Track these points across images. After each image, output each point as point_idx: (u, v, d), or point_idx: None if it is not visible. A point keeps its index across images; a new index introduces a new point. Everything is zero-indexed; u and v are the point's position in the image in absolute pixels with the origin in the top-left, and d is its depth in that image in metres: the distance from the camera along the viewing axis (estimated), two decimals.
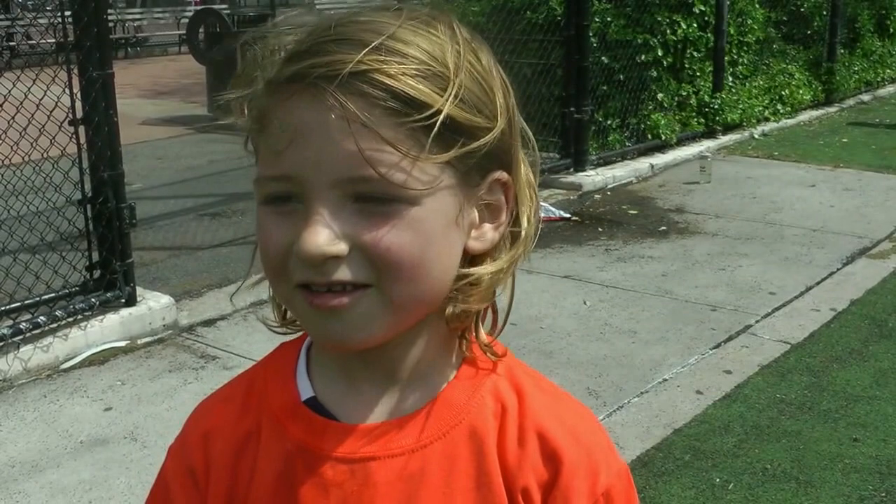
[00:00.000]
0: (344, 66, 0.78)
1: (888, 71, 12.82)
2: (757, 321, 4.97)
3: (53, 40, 4.68)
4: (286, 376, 0.95)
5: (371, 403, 0.91)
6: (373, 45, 0.79)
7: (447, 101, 0.80)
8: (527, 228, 0.92)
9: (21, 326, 4.37)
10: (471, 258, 0.89)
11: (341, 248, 0.80)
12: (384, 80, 0.79)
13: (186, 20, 16.06)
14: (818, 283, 5.54)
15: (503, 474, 0.90)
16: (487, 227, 0.89)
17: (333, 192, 0.80)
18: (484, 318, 0.94)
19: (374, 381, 0.91)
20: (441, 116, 0.80)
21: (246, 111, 0.85)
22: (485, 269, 0.89)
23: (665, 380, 4.28)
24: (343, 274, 0.81)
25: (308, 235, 0.80)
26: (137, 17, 19.40)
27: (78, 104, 4.53)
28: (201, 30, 11.71)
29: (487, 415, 0.91)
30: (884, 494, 3.33)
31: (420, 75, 0.80)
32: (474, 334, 0.92)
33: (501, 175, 0.88)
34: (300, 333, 0.97)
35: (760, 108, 9.99)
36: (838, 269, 5.79)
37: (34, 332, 4.42)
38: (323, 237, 0.79)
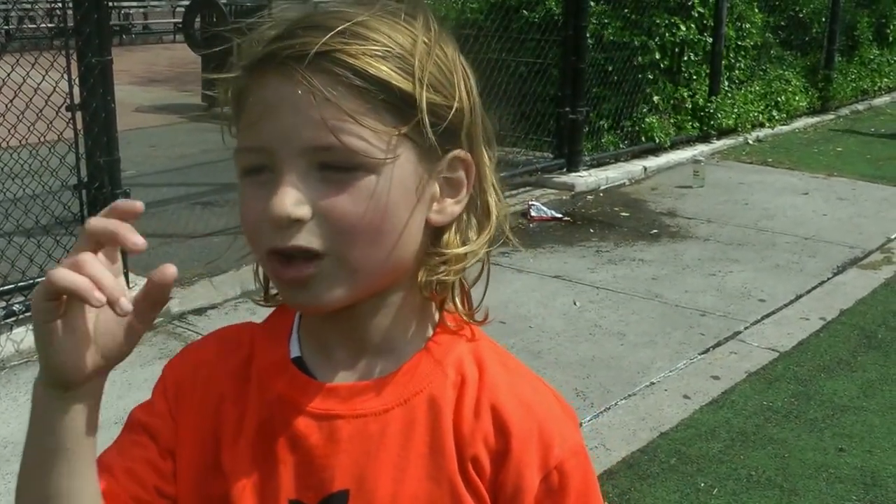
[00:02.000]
0: (311, 46, 0.86)
1: (885, 80, 12.82)
2: (746, 328, 4.98)
3: (52, 25, 4.66)
4: (281, 336, 1.02)
5: (345, 366, 0.98)
6: (338, 28, 0.87)
7: (415, 83, 0.88)
8: (496, 213, 0.98)
9: (14, 308, 4.39)
10: (435, 232, 0.95)
11: (305, 210, 0.87)
12: (346, 59, 0.87)
13: (182, 9, 16.03)
14: (808, 292, 5.55)
15: (456, 443, 0.95)
16: (448, 201, 0.95)
17: (300, 160, 0.87)
18: (464, 302, 1.00)
19: (347, 347, 0.98)
20: (401, 94, 0.88)
21: (228, 96, 0.93)
22: (457, 251, 0.95)
23: (653, 383, 4.30)
24: (304, 240, 0.88)
25: (276, 200, 0.87)
26: (136, 5, 19.30)
27: (76, 90, 4.54)
28: (198, 19, 11.68)
29: (447, 386, 0.97)
30: None
31: (380, 56, 0.88)
32: (447, 306, 0.98)
33: (461, 152, 0.94)
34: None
35: (756, 114, 10.01)
36: (829, 279, 5.80)
37: (27, 314, 4.41)
38: (289, 199, 0.86)
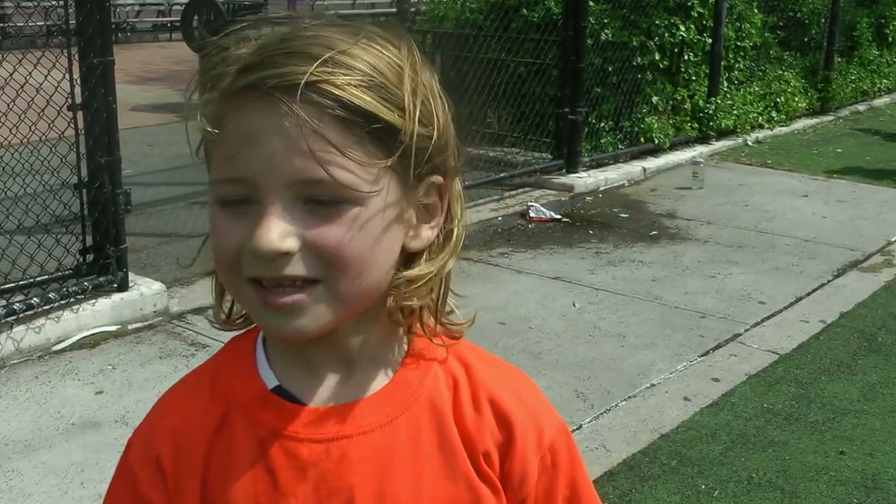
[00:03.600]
0: (297, 77, 0.84)
1: (885, 81, 12.83)
2: (746, 330, 4.98)
3: (54, 24, 4.67)
4: (248, 369, 1.00)
5: (333, 387, 0.97)
6: (323, 57, 0.85)
7: (400, 115, 0.88)
8: (458, 233, 0.99)
9: (14, 307, 4.38)
10: (408, 256, 0.96)
11: (291, 244, 0.86)
12: (332, 91, 0.85)
13: (179, 7, 16.00)
14: (808, 295, 5.55)
15: (463, 440, 0.98)
16: (424, 226, 0.96)
17: (285, 193, 0.86)
18: (442, 309, 1.01)
19: (332, 367, 0.97)
20: (386, 126, 0.87)
21: (200, 119, 0.91)
22: (419, 271, 0.95)
23: (653, 385, 4.30)
24: (293, 269, 0.87)
25: (261, 232, 0.85)
26: (133, 3, 19.29)
27: (77, 89, 4.55)
28: (196, 18, 11.68)
29: (442, 387, 0.99)
30: None
31: (365, 86, 0.87)
32: (420, 327, 0.99)
33: (437, 179, 0.95)
34: (243, 331, 1.03)
35: (755, 115, 10.01)
36: (829, 281, 5.80)
37: (27, 312, 4.43)
38: (275, 233, 0.85)
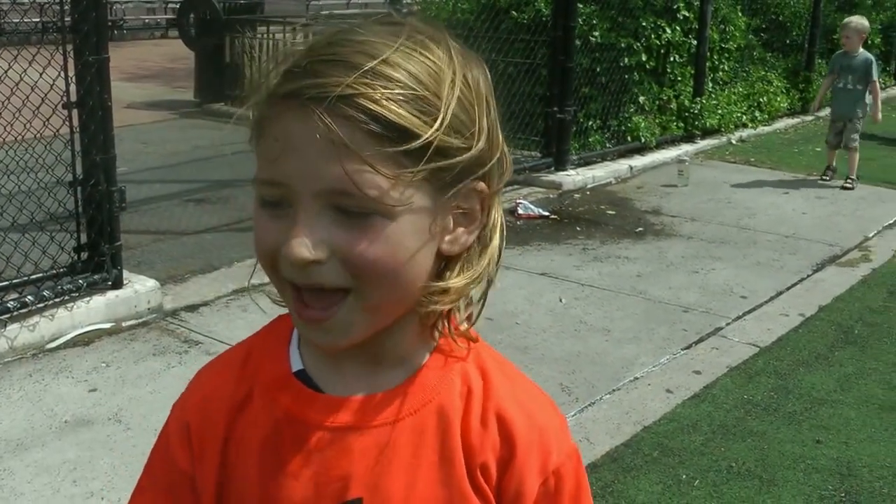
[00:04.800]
0: (333, 89, 0.85)
1: None
2: (727, 324, 5.05)
3: (49, 21, 4.65)
4: (280, 348, 1.04)
5: (353, 380, 1.00)
6: (363, 69, 0.86)
7: (433, 130, 0.87)
8: (496, 243, 0.99)
9: (8, 305, 4.37)
10: (444, 259, 0.96)
11: (321, 254, 0.88)
12: (368, 105, 0.85)
13: (174, 5, 15.97)
14: (788, 289, 5.64)
15: (465, 451, 0.99)
16: (461, 231, 0.96)
17: (317, 202, 0.88)
18: (466, 310, 1.01)
19: (356, 361, 0.99)
20: (420, 142, 0.86)
21: (250, 115, 0.93)
22: (455, 283, 0.96)
23: (636, 378, 4.35)
24: (323, 278, 0.89)
25: (292, 242, 0.88)
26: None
27: (72, 87, 4.53)
28: (191, 16, 11.68)
29: (455, 396, 1.00)
30: (843, 495, 3.42)
31: (403, 99, 0.86)
32: (447, 327, 1.00)
33: (478, 185, 0.94)
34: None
35: (739, 115, 10.12)
36: (808, 276, 5.89)
37: (21, 310, 4.42)
38: (305, 245, 0.87)
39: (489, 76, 0.96)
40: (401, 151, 0.86)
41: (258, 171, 0.92)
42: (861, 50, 8.16)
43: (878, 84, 8.04)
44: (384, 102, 0.85)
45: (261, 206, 0.92)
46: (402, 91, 0.87)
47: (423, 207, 0.90)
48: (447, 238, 0.95)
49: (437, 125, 0.87)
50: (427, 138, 0.87)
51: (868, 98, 8.08)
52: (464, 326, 1.02)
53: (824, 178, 8.22)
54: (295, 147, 0.87)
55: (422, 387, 0.99)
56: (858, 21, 8.30)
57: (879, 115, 8.17)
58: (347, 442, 0.98)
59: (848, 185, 8.08)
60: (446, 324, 1.00)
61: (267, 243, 0.91)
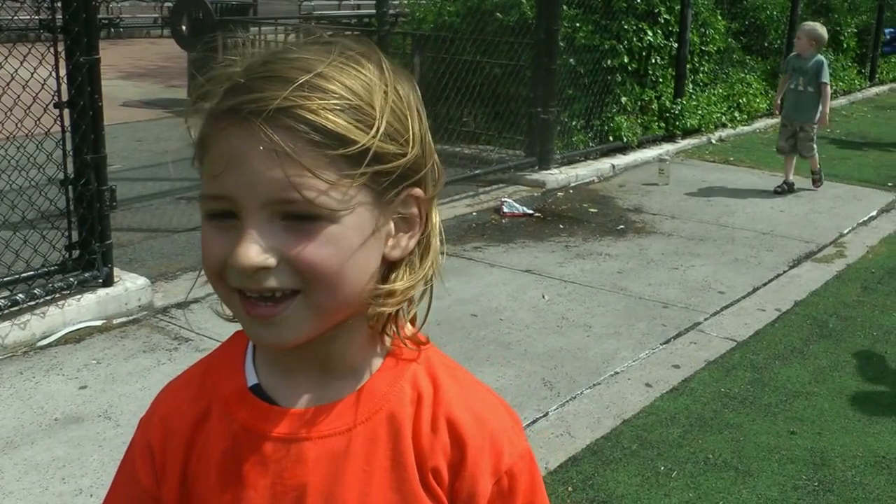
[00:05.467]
0: (271, 102, 0.88)
1: (840, 84, 13.13)
2: (706, 319, 5.12)
3: (42, 20, 4.67)
4: (236, 364, 1.06)
5: (305, 391, 1.02)
6: (297, 83, 0.89)
7: (371, 136, 0.91)
8: (436, 245, 1.04)
9: None
10: (388, 265, 1.00)
11: (270, 261, 0.91)
12: (306, 115, 0.89)
13: (168, 4, 15.92)
14: (765, 285, 5.71)
15: (416, 456, 1.01)
16: (403, 236, 0.99)
17: (263, 211, 0.90)
18: (410, 312, 1.05)
19: (308, 372, 1.02)
20: (358, 148, 0.90)
21: (191, 134, 0.97)
22: (401, 285, 1.00)
23: (617, 373, 4.40)
24: (273, 282, 0.92)
25: (241, 250, 0.90)
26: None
27: (64, 87, 4.53)
28: (185, 16, 11.69)
29: (405, 402, 1.02)
30: (816, 484, 3.49)
31: (339, 109, 0.90)
32: (395, 330, 1.03)
33: (415, 191, 0.98)
34: None
35: (719, 115, 10.23)
36: (785, 272, 5.96)
37: (12, 308, 4.42)
38: (253, 251, 0.90)
39: (418, 91, 1.01)
40: (340, 157, 0.90)
41: (203, 187, 0.94)
42: (815, 54, 7.92)
43: (828, 87, 7.81)
44: (321, 112, 0.89)
45: (208, 219, 0.95)
46: (337, 101, 0.90)
47: (365, 212, 0.94)
48: (390, 243, 0.98)
49: (373, 132, 0.91)
50: (364, 144, 0.91)
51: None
52: (409, 330, 1.04)
53: (778, 189, 7.90)
54: (238, 160, 0.90)
55: (372, 395, 1.02)
56: (812, 27, 8.06)
57: (827, 120, 7.92)
58: (302, 452, 1.00)
59: (816, 180, 8.03)
60: (395, 329, 1.03)
61: (215, 255, 0.94)
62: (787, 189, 7.91)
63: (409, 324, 1.05)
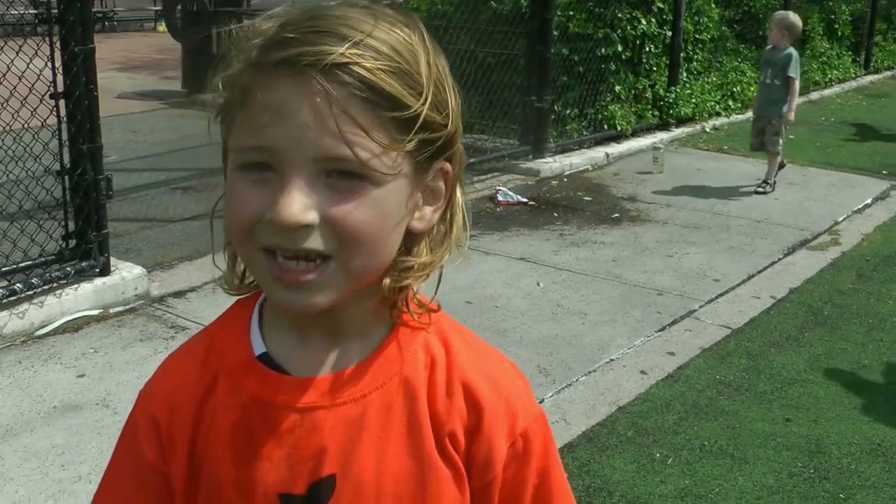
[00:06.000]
0: (327, 56, 0.86)
1: (835, 72, 13.14)
2: (701, 306, 5.13)
3: (35, 12, 4.66)
4: (241, 333, 1.04)
5: (318, 358, 1.01)
6: (354, 40, 0.88)
7: (423, 103, 0.91)
8: (459, 223, 1.04)
9: None
10: (410, 237, 0.99)
11: (313, 217, 0.88)
12: (363, 73, 0.88)
13: None
14: (760, 272, 5.72)
15: (432, 420, 1.00)
16: (428, 209, 0.99)
17: (310, 166, 0.88)
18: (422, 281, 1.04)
19: (321, 338, 1.01)
20: (410, 113, 0.90)
21: (222, 87, 0.94)
22: (425, 259, 1.00)
23: (612, 360, 4.42)
24: (311, 243, 0.90)
25: (285, 203, 0.88)
26: None
27: (59, 77, 4.54)
28: (179, 8, 11.67)
29: (419, 367, 1.01)
30: (812, 471, 3.50)
31: (392, 71, 0.89)
32: (407, 299, 1.03)
33: (445, 165, 0.99)
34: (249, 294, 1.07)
35: (713, 104, 10.22)
36: (779, 259, 5.98)
37: (10, 298, 4.44)
38: (298, 206, 0.88)
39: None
40: (392, 120, 0.89)
41: (241, 139, 0.92)
42: (788, 44, 7.42)
43: (796, 82, 7.32)
44: (377, 72, 0.88)
45: (240, 171, 0.92)
46: (389, 63, 0.89)
47: (406, 180, 0.93)
48: (416, 215, 0.98)
49: (423, 99, 0.91)
50: (416, 110, 0.90)
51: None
52: (420, 298, 1.04)
53: (759, 190, 7.52)
54: (289, 113, 0.88)
55: (386, 361, 1.01)
56: (783, 15, 7.64)
57: (792, 115, 7.35)
58: (317, 421, 0.99)
59: (760, 189, 7.51)
60: (406, 297, 1.02)
61: (248, 211, 0.91)
62: (766, 187, 7.55)
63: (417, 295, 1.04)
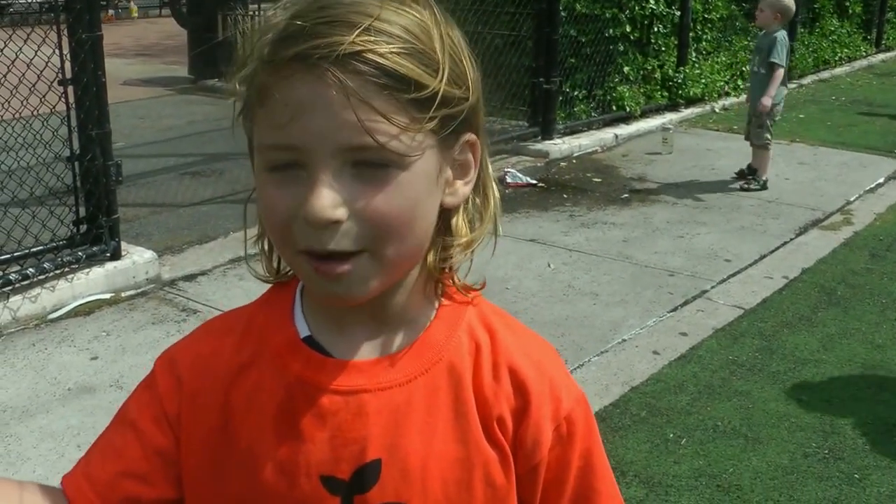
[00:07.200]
0: (338, 46, 0.85)
1: (845, 51, 13.05)
2: (712, 287, 5.13)
3: (42, 0, 4.68)
4: (284, 316, 1.03)
5: (362, 343, 1.01)
6: (363, 26, 0.86)
7: (440, 80, 0.90)
8: (495, 199, 1.03)
9: (10, 277, 4.44)
10: (445, 213, 0.98)
11: (341, 212, 0.88)
12: (376, 59, 0.86)
13: None
14: (772, 252, 5.71)
15: (478, 405, 1.00)
16: (459, 183, 0.98)
17: (335, 159, 0.88)
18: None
19: (363, 324, 1.00)
20: (428, 92, 0.89)
21: (238, 86, 0.93)
22: (467, 239, 1.00)
23: (624, 340, 4.43)
24: (339, 244, 0.89)
25: (314, 199, 0.87)
26: None
27: (67, 64, 4.57)
28: None
29: (464, 352, 1.01)
30: (826, 451, 3.50)
31: (406, 53, 0.88)
32: (451, 280, 1.03)
33: (471, 136, 0.98)
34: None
35: (722, 83, 10.18)
36: (791, 239, 5.96)
37: (23, 282, 4.49)
38: (327, 200, 0.87)
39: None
40: (410, 101, 0.88)
41: (264, 138, 0.91)
42: (780, 28, 6.87)
43: (780, 68, 6.71)
44: (390, 56, 0.87)
45: (269, 171, 0.91)
46: (402, 45, 0.88)
47: (431, 157, 0.93)
48: (448, 190, 0.97)
49: (440, 76, 0.90)
50: (434, 88, 0.89)
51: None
52: (460, 281, 1.04)
53: (745, 186, 7.03)
54: (308, 108, 0.87)
55: (430, 346, 1.01)
56: None
57: (767, 102, 6.71)
58: (361, 404, 0.98)
59: (745, 185, 7.03)
60: (448, 281, 1.02)
61: (280, 211, 0.91)
62: (750, 181, 7.06)
63: (457, 277, 1.04)
